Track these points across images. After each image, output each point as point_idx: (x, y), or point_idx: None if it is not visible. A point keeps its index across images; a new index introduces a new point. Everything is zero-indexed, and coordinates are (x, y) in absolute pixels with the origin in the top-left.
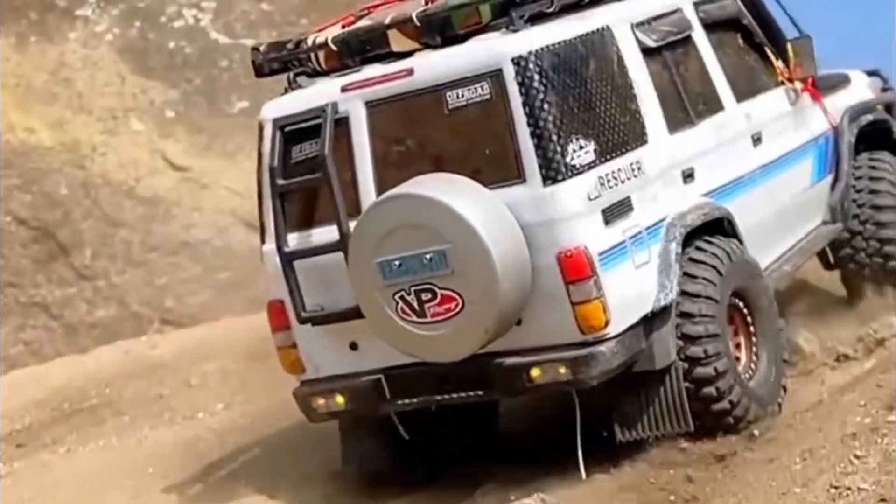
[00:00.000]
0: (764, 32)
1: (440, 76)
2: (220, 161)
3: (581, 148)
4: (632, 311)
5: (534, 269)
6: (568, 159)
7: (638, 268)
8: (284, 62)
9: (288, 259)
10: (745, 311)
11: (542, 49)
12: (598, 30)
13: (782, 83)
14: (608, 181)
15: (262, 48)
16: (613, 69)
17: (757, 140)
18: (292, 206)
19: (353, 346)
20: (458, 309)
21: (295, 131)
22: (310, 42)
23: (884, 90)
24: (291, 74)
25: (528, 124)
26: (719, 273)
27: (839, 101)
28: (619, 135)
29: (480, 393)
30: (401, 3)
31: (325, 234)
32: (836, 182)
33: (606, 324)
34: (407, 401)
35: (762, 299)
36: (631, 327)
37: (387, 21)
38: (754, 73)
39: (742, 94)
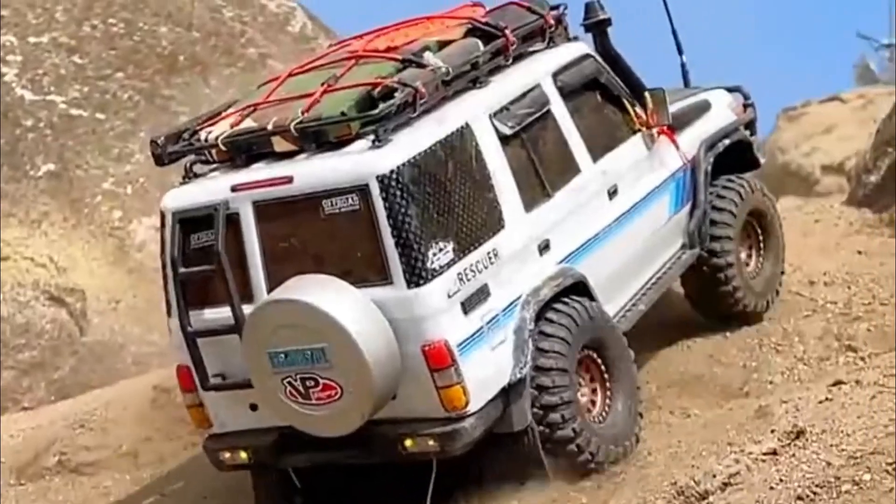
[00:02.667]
0: (624, 82)
1: (316, 185)
2: (22, 230)
3: (441, 250)
4: (490, 387)
5: (405, 356)
6: (428, 264)
7: (495, 348)
8: (181, 154)
9: (191, 337)
10: (600, 360)
11: (404, 164)
12: (457, 130)
13: (639, 130)
14: (466, 275)
15: (160, 140)
16: (472, 165)
17: (613, 193)
18: (194, 287)
19: (253, 408)
20: (337, 396)
21: (193, 221)
22: (203, 137)
23: (745, 107)
24: (188, 164)
25: (393, 235)
26: (567, 343)
27: (698, 132)
28: (477, 228)
29: (362, 456)
30: (283, 105)
31: (224, 314)
32: (694, 210)
33: (467, 403)
34: (301, 458)
35: (615, 349)
36: (490, 400)
37: (269, 127)
38: (612, 126)
39: (599, 151)
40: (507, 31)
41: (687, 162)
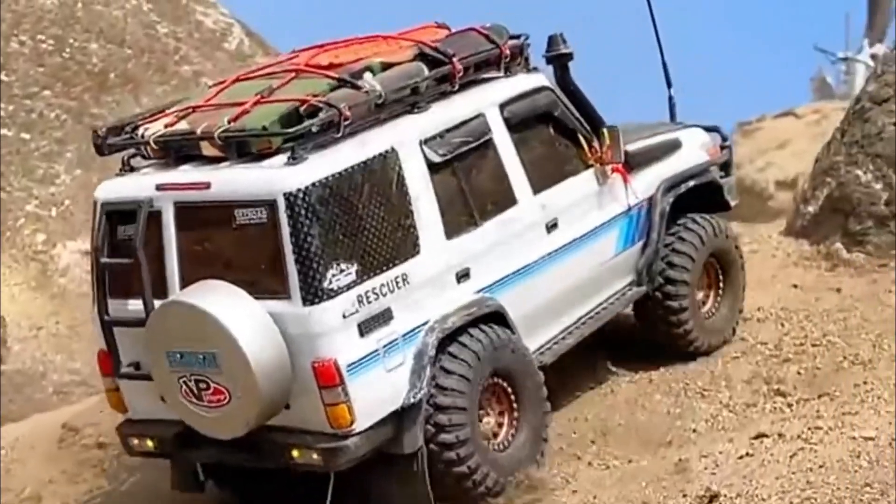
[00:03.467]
0: (582, 116)
1: (230, 194)
2: None
3: (342, 271)
4: (380, 408)
5: (298, 369)
6: (326, 284)
7: (390, 371)
8: (120, 146)
9: (108, 325)
10: (509, 388)
11: (314, 184)
12: (380, 154)
13: (592, 165)
14: (367, 297)
15: (101, 131)
16: (392, 190)
17: (552, 226)
18: (116, 277)
19: (164, 398)
20: (226, 401)
21: (120, 214)
22: (140, 133)
23: (722, 148)
24: (126, 157)
25: (293, 252)
26: (466, 379)
27: (661, 170)
28: (387, 252)
29: (254, 460)
30: (218, 110)
31: (139, 306)
32: (646, 248)
33: (352, 422)
34: (200, 454)
35: (525, 379)
36: (380, 421)
37: (198, 131)
38: (561, 160)
39: (542, 184)
40: (455, 59)
41: (643, 200)
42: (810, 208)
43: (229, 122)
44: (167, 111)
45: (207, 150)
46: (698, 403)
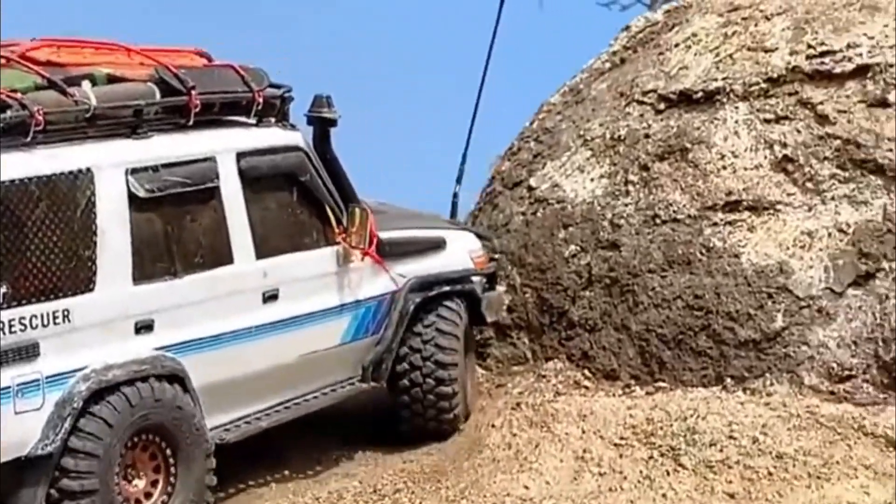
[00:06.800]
0: (336, 189)
1: None
2: None
3: None
4: None
5: None
6: None
7: (19, 413)
8: None
9: None
10: (165, 446)
11: None
12: (70, 172)
13: (337, 243)
14: (10, 326)
15: None
16: (74, 215)
17: (270, 297)
18: None
19: None
20: None
21: None
22: None
23: (492, 259)
24: None
25: None
26: (99, 439)
27: (414, 267)
28: (50, 282)
29: None
30: None
31: None
32: (378, 344)
33: None
34: None
35: (187, 439)
36: None
37: None
38: (300, 230)
39: (270, 250)
40: (194, 92)
41: (387, 293)
42: None
43: None
44: None
45: None
46: None
